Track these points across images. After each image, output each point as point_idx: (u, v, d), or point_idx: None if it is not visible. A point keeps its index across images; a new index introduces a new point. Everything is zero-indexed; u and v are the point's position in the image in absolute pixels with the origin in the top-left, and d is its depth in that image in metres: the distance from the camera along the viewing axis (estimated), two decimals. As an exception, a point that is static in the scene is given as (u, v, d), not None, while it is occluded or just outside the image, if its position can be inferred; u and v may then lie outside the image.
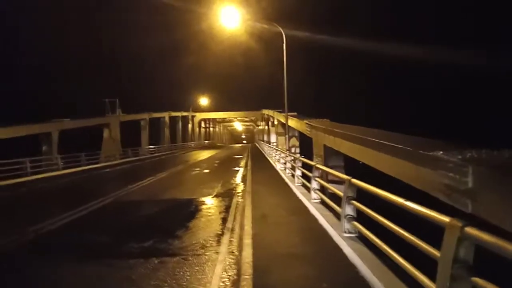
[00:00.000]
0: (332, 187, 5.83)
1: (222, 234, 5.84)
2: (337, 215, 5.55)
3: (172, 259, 4.70)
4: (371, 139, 5.35)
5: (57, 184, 14.29)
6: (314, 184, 7.28)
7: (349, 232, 4.66)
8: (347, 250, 4.29)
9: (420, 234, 3.14)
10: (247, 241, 5.13)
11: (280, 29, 14.21)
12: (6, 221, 7.71)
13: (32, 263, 4.88)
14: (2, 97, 39.55)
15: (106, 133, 27.89)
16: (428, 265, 2.79)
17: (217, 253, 4.89)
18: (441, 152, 3.50)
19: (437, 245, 2.57)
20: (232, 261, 4.50)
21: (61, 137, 21.54)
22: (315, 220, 6.03)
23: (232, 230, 6.08)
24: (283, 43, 14.28)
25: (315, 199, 7.28)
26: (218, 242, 5.43)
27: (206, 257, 4.75)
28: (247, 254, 4.56)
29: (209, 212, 7.70)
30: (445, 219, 2.41)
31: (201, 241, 5.53)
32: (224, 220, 6.83)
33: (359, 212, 4.59)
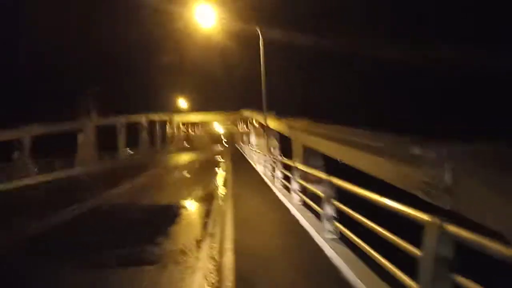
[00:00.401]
0: (312, 188, 5.81)
1: (202, 240, 5.71)
2: (319, 216, 5.53)
3: (151, 268, 4.55)
4: (350, 138, 5.37)
5: (29, 191, 13.71)
6: (295, 185, 7.24)
7: (330, 233, 4.63)
8: (330, 252, 4.26)
9: (403, 234, 3.16)
10: (228, 245, 5.02)
11: (257, 29, 14.15)
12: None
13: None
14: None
15: (81, 138, 27.06)
16: (411, 265, 2.81)
17: (197, 259, 4.77)
18: (418, 149, 3.52)
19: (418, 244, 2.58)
20: (213, 267, 4.39)
21: (34, 142, 20.75)
22: (296, 222, 5.98)
23: (213, 235, 5.96)
24: (260, 42, 14.21)
25: (296, 200, 7.25)
26: (199, 247, 5.31)
27: (186, 264, 4.62)
28: (229, 259, 4.45)
29: (190, 217, 7.55)
30: (425, 217, 2.39)
31: (181, 247, 5.39)
32: (205, 225, 6.70)
33: (341, 213, 4.58)
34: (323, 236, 4.67)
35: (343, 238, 4.54)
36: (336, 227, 4.51)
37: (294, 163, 7.33)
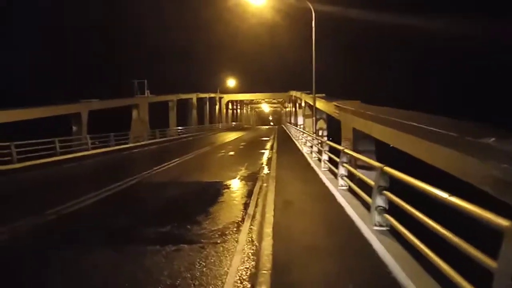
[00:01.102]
0: (361, 174, 5.37)
1: (242, 221, 5.58)
2: (366, 205, 5.11)
3: (189, 247, 4.49)
4: (408, 122, 4.82)
5: (85, 164, 14.59)
6: (342, 170, 6.82)
7: (380, 225, 4.23)
8: (377, 245, 3.88)
9: (464, 233, 2.72)
10: (268, 230, 4.83)
11: (309, 4, 13.43)
12: (24, 202, 7.85)
13: (48, 245, 4.83)
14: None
15: (135, 114, 28.28)
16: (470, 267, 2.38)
17: (236, 241, 4.63)
18: (492, 140, 2.98)
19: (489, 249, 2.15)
20: (251, 251, 4.22)
21: (92, 118, 22.03)
22: (341, 209, 5.62)
23: (253, 217, 5.80)
24: (312, 20, 13.52)
25: (342, 185, 6.84)
26: (238, 229, 5.17)
27: (225, 245, 4.50)
28: (267, 245, 4.26)
29: (231, 197, 7.46)
30: (504, 222, 1.95)
31: (221, 228, 5.30)
32: (246, 206, 6.57)
33: (390, 203, 4.15)
34: (370, 228, 4.29)
35: (393, 231, 4.13)
36: (386, 219, 4.10)
37: (342, 147, 6.87)
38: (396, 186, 4.25)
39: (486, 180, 2.92)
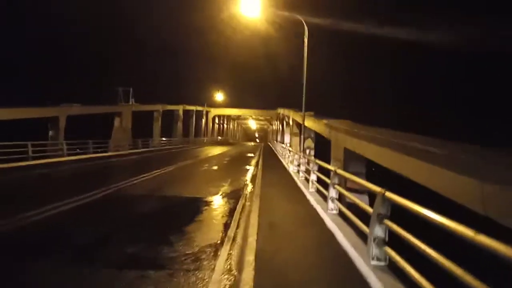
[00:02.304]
0: (356, 199, 4.85)
1: (221, 244, 4.96)
2: (360, 234, 4.59)
3: (156, 274, 3.83)
4: (410, 143, 4.36)
5: (57, 171, 13.68)
6: (333, 193, 6.30)
7: (377, 259, 3.69)
8: (376, 285, 3.32)
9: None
10: (250, 257, 4.22)
11: (301, 19, 13.20)
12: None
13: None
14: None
15: (117, 122, 27.39)
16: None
17: (212, 270, 4.00)
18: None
19: None
20: (229, 284, 3.60)
21: (71, 124, 21.11)
22: (332, 236, 5.06)
23: (234, 240, 5.18)
24: (304, 35, 13.26)
25: (332, 209, 6.31)
26: (215, 254, 4.54)
27: (199, 274, 3.87)
28: (248, 277, 3.64)
29: (211, 215, 6.82)
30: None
31: (196, 251, 4.66)
32: (226, 227, 5.95)
33: (391, 233, 3.64)
34: (367, 262, 3.74)
35: (392, 266, 3.60)
36: (386, 253, 3.57)
37: (334, 167, 6.38)
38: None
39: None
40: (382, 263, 3.67)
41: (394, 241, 3.68)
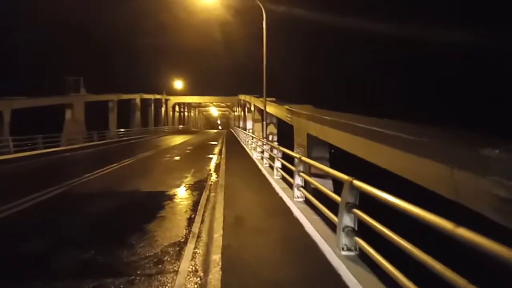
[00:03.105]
0: (322, 187, 4.75)
1: (185, 243, 4.69)
2: (328, 222, 4.51)
3: (113, 282, 3.51)
4: (375, 128, 4.29)
5: (1, 170, 12.55)
6: (298, 180, 6.20)
7: (348, 249, 3.61)
8: (347, 275, 3.24)
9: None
10: (216, 256, 4.00)
11: (259, 3, 12.85)
12: None
13: None
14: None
15: (68, 114, 25.69)
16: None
17: (175, 272, 3.74)
18: (490, 150, 2.46)
19: None
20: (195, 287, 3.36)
21: (19, 119, 19.51)
22: (301, 227, 4.96)
23: (199, 236, 4.94)
24: (262, 20, 12.95)
25: (298, 197, 6.23)
26: (179, 254, 4.28)
27: (161, 279, 3.59)
28: (215, 278, 3.42)
29: (173, 210, 6.50)
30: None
31: (158, 252, 4.37)
32: (190, 222, 5.67)
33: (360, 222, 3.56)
34: (337, 253, 3.65)
35: (362, 256, 3.54)
36: (356, 242, 3.49)
37: (299, 155, 6.26)
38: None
39: (484, 200, 2.38)
40: (352, 253, 3.60)
41: (364, 231, 3.63)
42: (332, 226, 4.43)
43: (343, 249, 3.62)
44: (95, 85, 30.22)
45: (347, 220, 3.60)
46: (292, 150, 9.11)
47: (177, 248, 4.49)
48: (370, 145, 4.69)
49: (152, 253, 4.32)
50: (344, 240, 3.62)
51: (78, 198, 7.78)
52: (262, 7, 13.14)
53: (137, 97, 39.96)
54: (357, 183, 3.47)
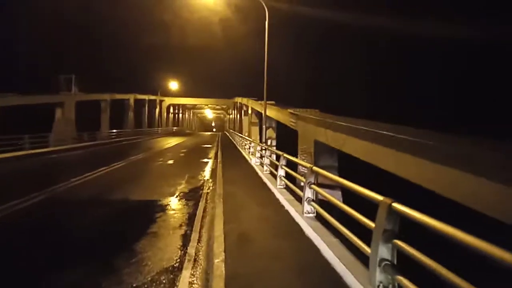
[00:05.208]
0: (338, 202, 4.04)
1: (179, 269, 3.95)
2: (346, 243, 3.81)
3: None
4: (400, 136, 3.61)
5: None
6: (309, 193, 5.48)
7: (382, 284, 2.89)
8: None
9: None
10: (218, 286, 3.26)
11: (262, 2, 12.19)
12: None
13: None
14: None
15: (58, 113, 24.74)
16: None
17: (168, 313, 3.00)
18: None
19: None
20: (192, 338, 2.63)
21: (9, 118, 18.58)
22: (316, 250, 4.22)
23: (195, 260, 4.20)
24: (262, 19, 12.30)
25: (308, 212, 5.51)
26: (173, 284, 3.54)
27: (150, 322, 2.85)
28: (219, 326, 2.69)
29: (166, 225, 5.74)
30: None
31: (148, 281, 3.62)
32: (186, 240, 4.93)
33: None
34: (373, 284, 2.94)
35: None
36: (399, 282, 2.78)
37: (309, 164, 5.55)
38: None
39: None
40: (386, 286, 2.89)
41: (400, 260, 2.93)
42: (355, 251, 3.73)
43: (378, 287, 2.91)
44: (88, 84, 29.28)
45: (384, 252, 2.89)
46: (291, 155, 8.39)
47: (171, 276, 3.75)
48: (399, 156, 4.01)
49: (140, 283, 3.58)
50: (380, 276, 2.91)
51: (59, 207, 6.99)
52: (264, 4, 12.48)
53: (131, 97, 39.05)
54: (397, 206, 2.77)
